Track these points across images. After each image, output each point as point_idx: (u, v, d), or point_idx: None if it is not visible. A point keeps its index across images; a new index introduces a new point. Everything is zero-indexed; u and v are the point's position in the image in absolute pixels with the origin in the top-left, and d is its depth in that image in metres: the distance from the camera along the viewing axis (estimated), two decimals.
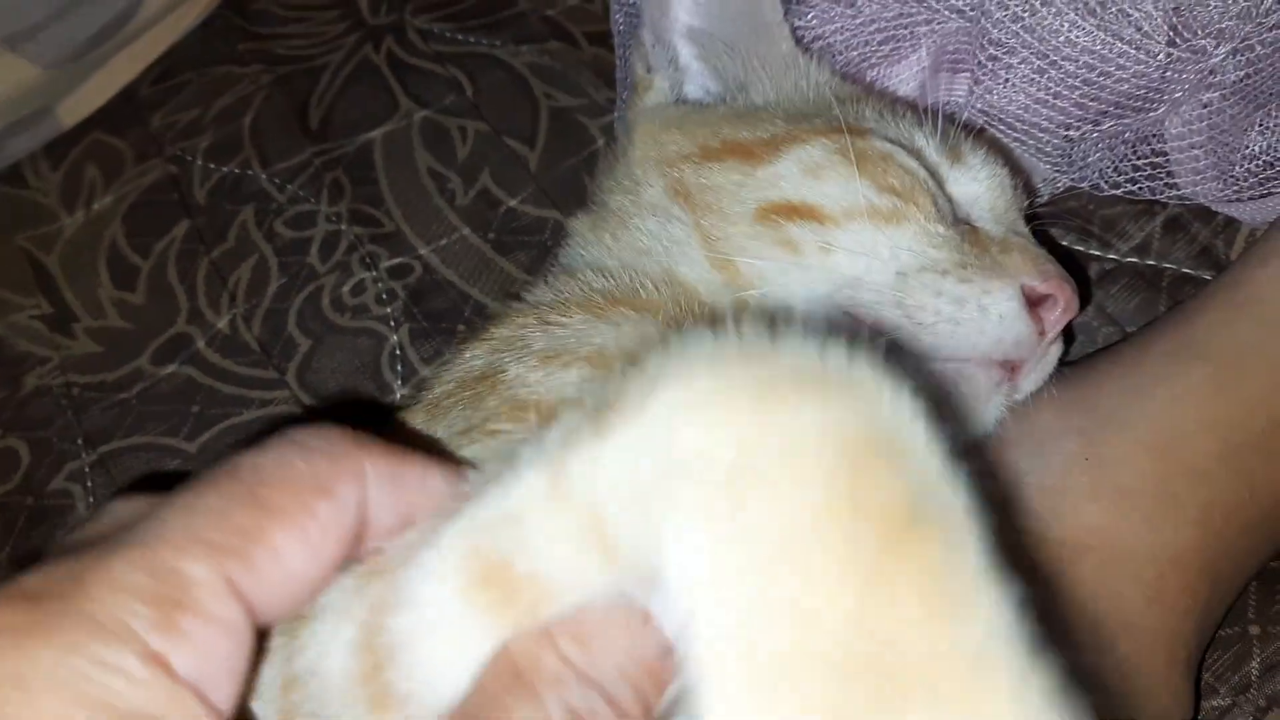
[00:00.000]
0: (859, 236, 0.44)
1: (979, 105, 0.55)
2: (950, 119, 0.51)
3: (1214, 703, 0.47)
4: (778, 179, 0.46)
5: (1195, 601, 0.43)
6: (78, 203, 0.68)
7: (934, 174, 0.47)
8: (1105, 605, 0.41)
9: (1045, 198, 0.58)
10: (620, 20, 0.61)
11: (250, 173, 0.67)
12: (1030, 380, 0.45)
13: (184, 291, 0.63)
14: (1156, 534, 0.43)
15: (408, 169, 0.66)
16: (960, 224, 0.46)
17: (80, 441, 0.60)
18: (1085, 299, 0.52)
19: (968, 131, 0.54)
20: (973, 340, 0.43)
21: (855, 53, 0.56)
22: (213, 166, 0.68)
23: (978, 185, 0.48)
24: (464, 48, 0.69)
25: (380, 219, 0.64)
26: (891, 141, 0.47)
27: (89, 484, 0.58)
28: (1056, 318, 0.44)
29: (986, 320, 0.42)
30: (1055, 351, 0.46)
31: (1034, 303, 0.43)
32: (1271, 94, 0.53)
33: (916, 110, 0.51)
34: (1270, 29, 0.52)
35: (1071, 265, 0.49)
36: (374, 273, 0.62)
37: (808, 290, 0.44)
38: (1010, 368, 0.44)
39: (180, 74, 0.72)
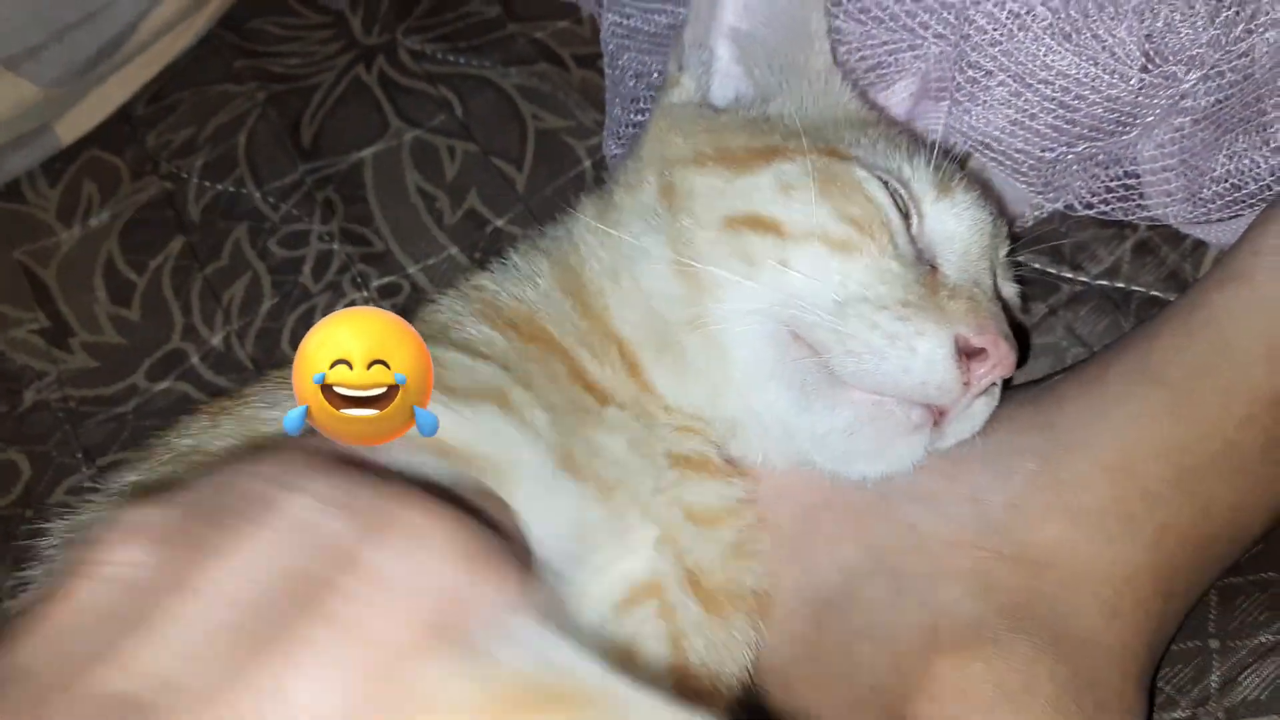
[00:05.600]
0: (812, 259, 0.45)
1: (958, 127, 0.56)
2: (948, 153, 0.52)
3: (1174, 715, 0.48)
4: (753, 190, 0.47)
5: (1150, 618, 0.45)
6: (75, 218, 0.69)
7: (916, 205, 0.48)
8: (1062, 623, 0.43)
9: (1030, 223, 0.60)
10: (611, 44, 0.63)
11: (244, 191, 0.68)
12: (955, 430, 0.46)
13: (179, 308, 0.65)
14: (1113, 553, 0.44)
15: (397, 188, 0.67)
16: (922, 263, 0.47)
17: (79, 455, 0.61)
18: (1023, 358, 0.52)
19: (962, 167, 0.55)
20: (896, 377, 0.43)
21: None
22: (207, 184, 0.69)
23: (958, 224, 0.49)
24: (454, 69, 0.71)
25: (370, 238, 0.66)
26: (872, 170, 0.47)
27: (89, 498, 0.60)
28: (984, 372, 0.44)
29: (913, 360, 0.43)
30: (983, 405, 0.46)
31: (967, 354, 0.44)
32: (1239, 119, 0.55)
33: (919, 140, 0.51)
34: (1239, 56, 0.54)
35: (1019, 332, 0.49)
36: (365, 293, 0.64)
37: (759, 299, 0.45)
38: (936, 413, 0.45)
39: (176, 92, 0.73)
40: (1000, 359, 0.44)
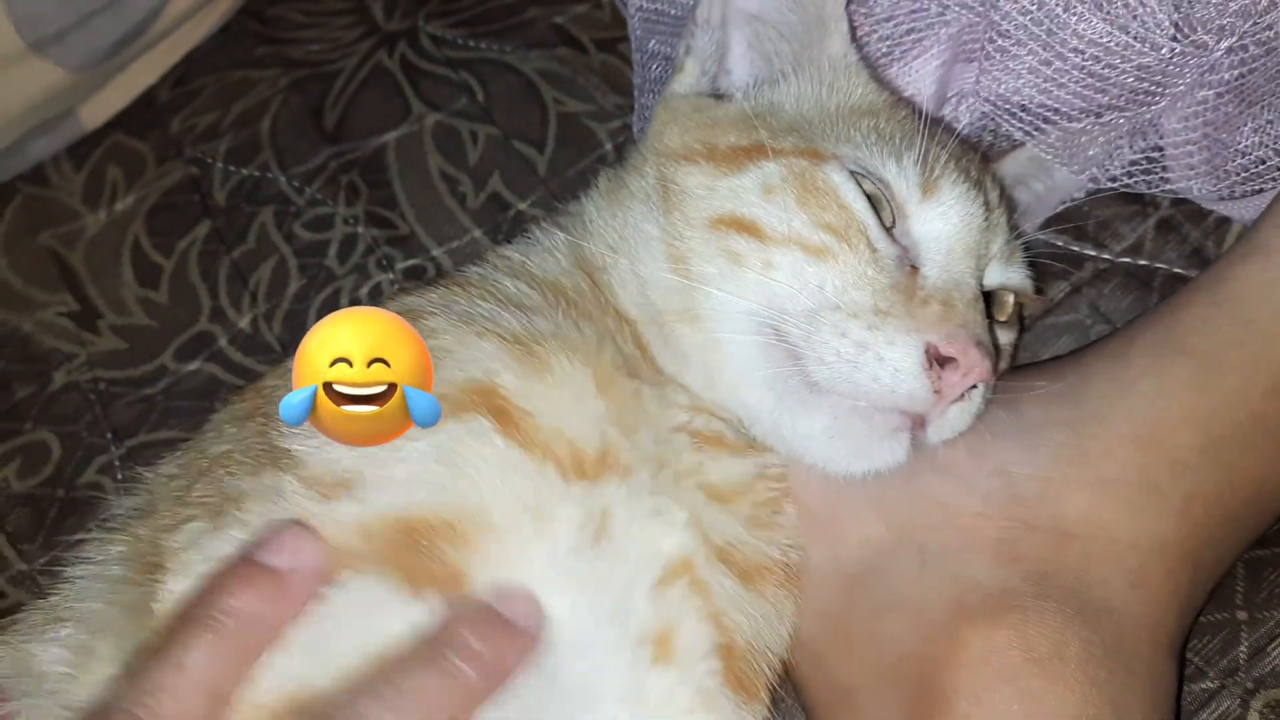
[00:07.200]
0: (791, 264, 0.46)
1: (985, 95, 0.56)
2: (949, 136, 0.52)
3: (1202, 685, 0.49)
4: (738, 192, 0.48)
5: (1177, 588, 0.45)
6: (100, 202, 0.70)
7: (899, 206, 0.48)
8: (1090, 591, 0.43)
9: (1067, 205, 0.60)
10: (637, 27, 0.63)
11: (269, 175, 0.69)
12: (936, 432, 0.46)
13: (206, 291, 0.66)
14: (1140, 523, 0.44)
15: (421, 172, 0.68)
16: (903, 265, 0.47)
17: (109, 435, 0.62)
18: (1024, 365, 0.52)
19: (971, 150, 0.54)
20: (865, 387, 0.44)
21: (869, 49, 0.58)
22: (232, 169, 0.70)
23: (943, 224, 0.48)
24: (475, 53, 0.71)
25: (395, 221, 0.66)
26: (853, 172, 0.48)
27: (119, 477, 0.60)
28: (955, 381, 0.44)
29: (881, 370, 0.43)
30: (960, 410, 0.46)
31: (938, 361, 0.44)
32: (1264, 93, 0.55)
33: (921, 128, 0.51)
34: (1264, 29, 0.54)
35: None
36: (390, 274, 0.64)
37: (745, 302, 0.46)
38: (914, 418, 0.45)
39: (199, 78, 0.74)
40: (970, 366, 0.44)
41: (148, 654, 0.38)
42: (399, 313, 0.42)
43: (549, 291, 0.47)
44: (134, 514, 0.45)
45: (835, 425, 0.45)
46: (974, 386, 0.45)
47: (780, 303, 0.46)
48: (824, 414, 0.45)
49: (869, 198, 0.47)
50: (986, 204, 0.50)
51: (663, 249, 0.48)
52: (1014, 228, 0.54)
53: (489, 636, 0.39)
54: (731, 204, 0.47)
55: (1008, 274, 0.52)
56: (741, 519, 0.46)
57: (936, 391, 0.44)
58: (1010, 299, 0.53)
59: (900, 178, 0.48)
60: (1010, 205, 0.55)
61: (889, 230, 0.47)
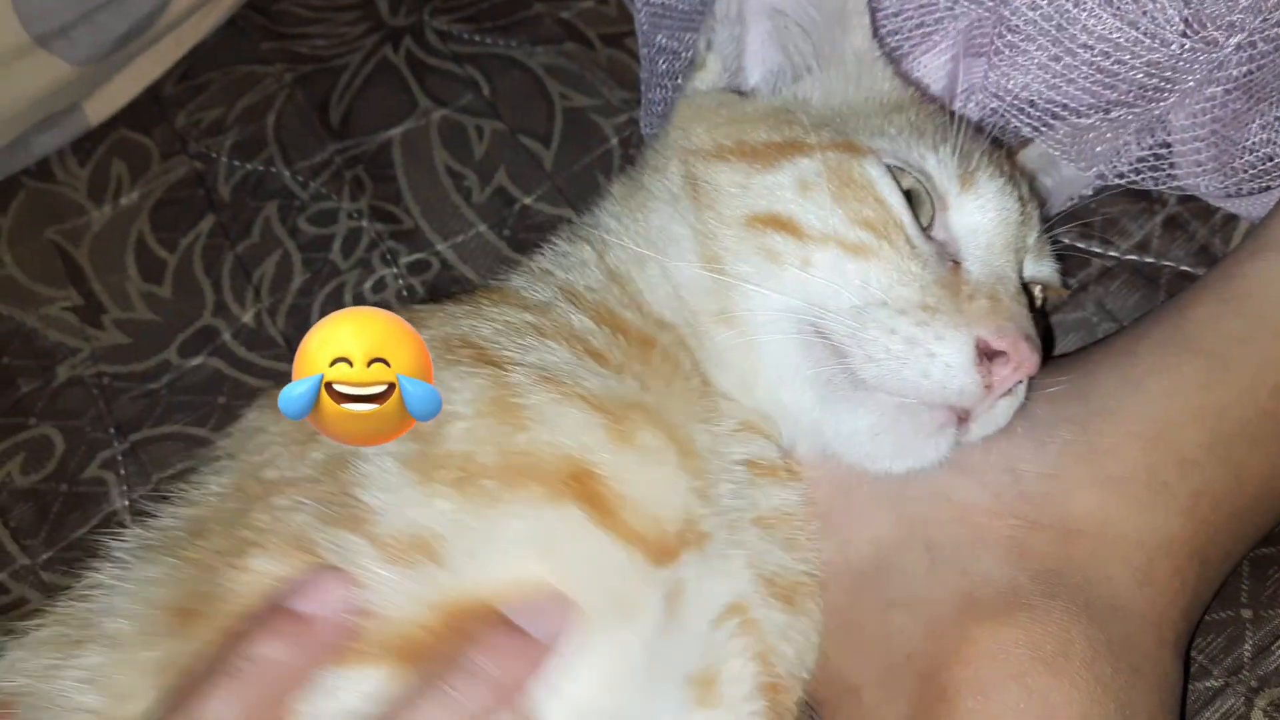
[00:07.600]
0: (831, 262, 0.45)
1: (994, 90, 0.56)
2: (980, 132, 0.51)
3: (1207, 683, 0.49)
4: (774, 189, 0.47)
5: (1184, 585, 0.45)
6: (105, 197, 0.70)
7: (939, 199, 0.47)
8: (1097, 589, 0.43)
9: (1075, 202, 0.60)
10: (645, 24, 0.63)
11: (274, 170, 0.69)
12: (980, 427, 0.46)
13: (210, 285, 0.66)
14: (1147, 520, 0.44)
15: (426, 167, 0.68)
16: (944, 259, 0.46)
17: (112, 430, 0.62)
18: (1048, 356, 0.51)
19: (998, 147, 0.54)
20: (916, 383, 0.43)
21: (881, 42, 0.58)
22: (237, 163, 0.70)
23: (982, 216, 0.48)
24: (481, 48, 0.71)
25: (399, 216, 0.66)
26: (891, 165, 0.47)
27: (122, 471, 0.60)
28: (1006, 375, 0.44)
29: (932, 366, 0.43)
30: (1007, 404, 0.46)
31: (988, 356, 0.44)
32: (1272, 89, 0.55)
33: (949, 124, 0.51)
34: (1274, 25, 0.53)
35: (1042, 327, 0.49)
36: (394, 269, 0.64)
37: (783, 300, 0.46)
38: (960, 413, 0.45)
39: (204, 73, 0.74)
40: (1021, 360, 0.44)
41: (171, 700, 0.37)
42: (452, 338, 0.42)
43: (607, 328, 0.46)
44: (178, 531, 0.42)
45: (881, 423, 0.45)
46: (1020, 381, 0.45)
47: (822, 300, 0.45)
48: (870, 411, 0.45)
49: (907, 194, 0.47)
50: (1020, 198, 0.50)
51: (695, 248, 0.48)
52: (1044, 220, 0.53)
53: (498, 653, 0.37)
54: (767, 201, 0.47)
55: (1039, 267, 0.52)
56: (781, 543, 0.46)
57: (987, 386, 0.44)
58: (1038, 291, 0.52)
59: (940, 169, 0.48)
60: (1040, 199, 0.55)
61: (925, 229, 0.47)
